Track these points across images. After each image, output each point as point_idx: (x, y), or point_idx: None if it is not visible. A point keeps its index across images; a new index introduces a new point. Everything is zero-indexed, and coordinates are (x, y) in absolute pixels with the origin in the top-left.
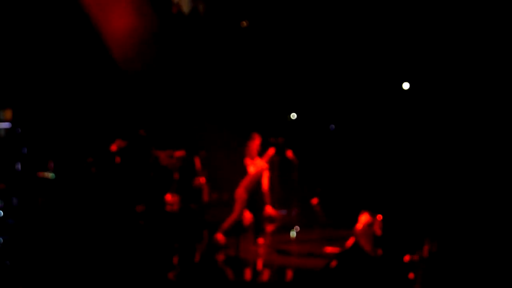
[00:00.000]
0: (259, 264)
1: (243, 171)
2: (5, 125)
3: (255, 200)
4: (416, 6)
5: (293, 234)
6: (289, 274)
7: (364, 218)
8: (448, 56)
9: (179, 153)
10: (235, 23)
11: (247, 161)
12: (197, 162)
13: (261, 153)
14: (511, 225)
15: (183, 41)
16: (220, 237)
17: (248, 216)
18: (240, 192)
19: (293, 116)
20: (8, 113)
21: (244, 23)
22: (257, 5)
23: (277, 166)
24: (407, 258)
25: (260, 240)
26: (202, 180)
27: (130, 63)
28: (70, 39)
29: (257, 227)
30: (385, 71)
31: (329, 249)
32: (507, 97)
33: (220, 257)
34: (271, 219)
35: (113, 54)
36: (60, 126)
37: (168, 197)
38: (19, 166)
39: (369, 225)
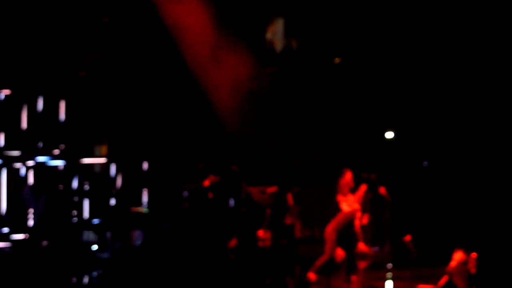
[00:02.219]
0: None
1: (335, 207)
2: (101, 160)
3: (345, 238)
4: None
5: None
6: None
7: (458, 256)
8: None
9: (272, 189)
10: (328, 60)
11: (339, 197)
12: (290, 198)
13: (353, 189)
14: None
15: (277, 76)
16: (311, 275)
17: (340, 253)
18: (329, 232)
19: (390, 135)
20: (104, 149)
21: (337, 60)
22: (350, 41)
23: (370, 203)
24: None
25: (353, 278)
26: (294, 216)
27: (235, 123)
28: (165, 76)
29: (349, 264)
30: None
31: (423, 287)
32: None
33: None
34: (363, 256)
35: (218, 112)
36: (155, 161)
37: (260, 232)
38: (113, 201)
39: (463, 263)
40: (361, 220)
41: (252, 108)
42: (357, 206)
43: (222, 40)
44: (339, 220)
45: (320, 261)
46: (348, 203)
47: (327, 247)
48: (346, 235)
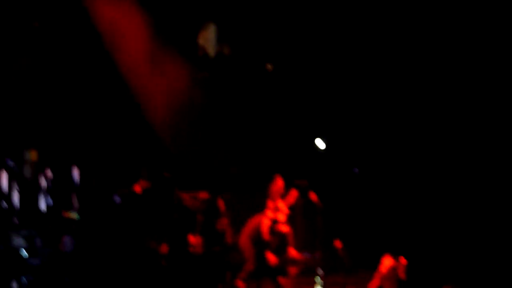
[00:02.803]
0: None
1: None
2: (31, 165)
3: (262, 245)
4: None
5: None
6: None
7: (388, 262)
8: None
9: (203, 195)
10: (260, 66)
11: (269, 203)
12: (221, 204)
13: (283, 196)
14: None
15: (210, 83)
16: (240, 284)
17: (270, 258)
18: (243, 241)
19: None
20: (34, 154)
21: (269, 66)
22: (283, 48)
23: (301, 209)
24: None
25: (283, 283)
26: (225, 222)
27: (168, 129)
28: (97, 81)
29: (280, 270)
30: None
31: None
32: None
33: None
34: (294, 262)
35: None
36: (85, 167)
37: (191, 239)
38: (43, 206)
39: (393, 269)
40: (276, 226)
41: (186, 115)
42: (271, 214)
43: (156, 46)
44: (250, 227)
45: (246, 269)
46: (278, 209)
47: (246, 255)
48: (260, 244)
